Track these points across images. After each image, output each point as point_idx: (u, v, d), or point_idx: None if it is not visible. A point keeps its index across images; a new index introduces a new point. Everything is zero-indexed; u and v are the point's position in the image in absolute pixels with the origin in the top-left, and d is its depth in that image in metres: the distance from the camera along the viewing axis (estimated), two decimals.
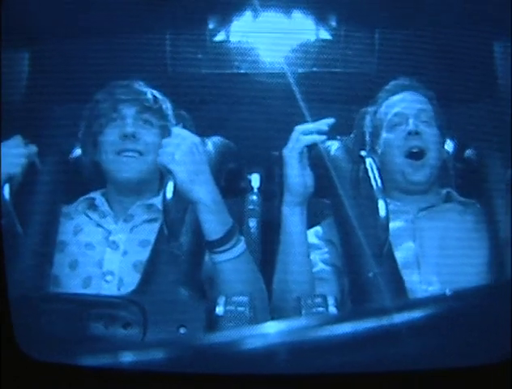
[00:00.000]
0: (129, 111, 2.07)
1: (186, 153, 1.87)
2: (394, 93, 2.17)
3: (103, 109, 2.08)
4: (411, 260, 1.99)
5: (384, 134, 2.13)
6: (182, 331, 1.75)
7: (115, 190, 2.11)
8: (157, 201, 2.03)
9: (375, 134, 2.15)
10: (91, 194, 2.14)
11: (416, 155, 2.07)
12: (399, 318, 1.42)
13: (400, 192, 2.12)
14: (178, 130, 1.95)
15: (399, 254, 1.97)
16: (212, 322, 1.76)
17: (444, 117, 2.15)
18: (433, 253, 2.00)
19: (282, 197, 2.01)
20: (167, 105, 2.14)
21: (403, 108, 2.13)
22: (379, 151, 2.11)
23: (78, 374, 1.44)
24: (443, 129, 2.13)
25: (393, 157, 2.10)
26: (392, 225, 1.98)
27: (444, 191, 2.16)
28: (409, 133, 2.08)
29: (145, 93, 2.11)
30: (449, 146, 2.18)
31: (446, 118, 2.15)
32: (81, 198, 2.14)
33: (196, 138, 1.92)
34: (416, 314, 1.45)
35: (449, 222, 2.07)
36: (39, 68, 2.21)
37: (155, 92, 2.12)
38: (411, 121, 2.09)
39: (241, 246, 1.90)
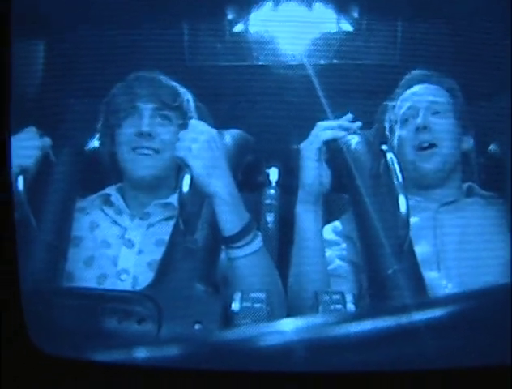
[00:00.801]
0: (147, 107, 2.07)
1: (204, 147, 1.87)
2: (409, 86, 2.17)
3: (122, 103, 2.09)
4: (431, 257, 1.98)
5: (398, 130, 2.14)
6: (197, 326, 1.74)
7: (131, 186, 2.12)
8: (174, 199, 2.02)
9: (392, 130, 2.16)
10: (107, 190, 2.14)
11: (425, 149, 2.09)
12: (418, 316, 1.41)
13: (419, 188, 2.12)
14: (196, 123, 1.94)
15: (419, 251, 1.95)
16: (228, 319, 1.76)
17: (465, 109, 2.15)
18: (453, 248, 1.99)
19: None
20: (188, 99, 2.14)
21: (414, 101, 2.14)
22: (395, 147, 2.12)
23: (90, 369, 1.45)
24: (463, 121, 2.14)
25: (405, 152, 2.11)
26: (412, 221, 1.97)
27: (466, 185, 2.15)
28: (417, 128, 2.09)
29: (166, 87, 2.11)
30: (469, 139, 2.17)
31: (468, 110, 2.15)
32: (96, 194, 2.14)
33: (213, 132, 1.92)
34: (435, 313, 1.44)
35: (470, 218, 2.07)
36: (54, 59, 2.21)
37: (177, 86, 2.13)
38: (421, 114, 2.10)
39: (258, 242, 1.90)
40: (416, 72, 2.18)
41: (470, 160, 2.17)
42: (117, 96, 2.10)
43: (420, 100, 2.13)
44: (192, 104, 2.14)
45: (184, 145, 1.87)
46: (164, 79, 2.12)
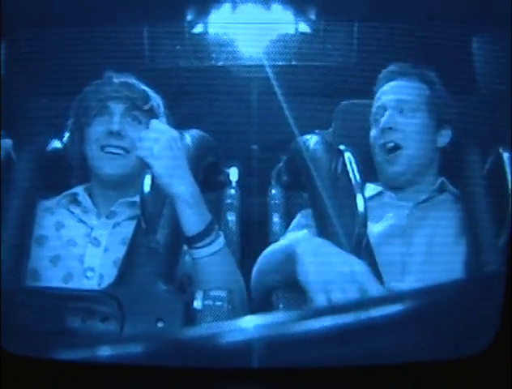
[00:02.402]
0: (117, 108, 2.09)
1: (165, 147, 1.88)
2: (384, 83, 2.19)
3: (93, 102, 2.10)
4: (396, 258, 2.01)
5: (371, 129, 2.18)
6: (160, 324, 1.76)
7: (99, 185, 2.13)
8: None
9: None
10: (74, 190, 2.15)
11: (391, 149, 2.11)
12: (376, 312, 1.44)
13: (391, 187, 2.16)
14: (156, 124, 1.96)
15: (385, 251, 1.98)
16: (190, 317, 1.78)
17: (445, 102, 2.16)
18: (421, 251, 2.03)
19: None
20: (159, 104, 2.16)
21: (383, 100, 2.16)
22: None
23: (55, 368, 1.46)
24: (441, 115, 2.15)
25: (374, 152, 2.15)
26: (383, 222, 2.04)
27: (439, 180, 2.17)
28: (382, 128, 2.12)
29: (137, 90, 2.12)
30: (447, 133, 2.17)
31: (447, 104, 2.17)
32: (63, 194, 2.14)
33: (174, 132, 1.93)
34: (391, 309, 1.47)
35: (440, 218, 2.10)
36: (13, 58, 2.20)
37: (148, 90, 2.14)
38: (387, 113, 2.12)
39: (220, 241, 1.91)
40: (391, 67, 2.20)
41: (447, 154, 2.18)
42: (89, 95, 2.12)
43: (389, 98, 2.15)
44: (162, 109, 2.16)
45: (145, 145, 1.88)
46: (135, 81, 2.14)
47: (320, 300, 1.70)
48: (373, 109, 2.19)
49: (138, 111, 2.10)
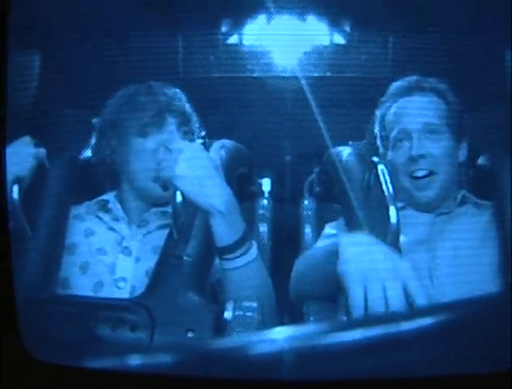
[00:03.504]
0: (172, 121, 2.10)
1: (187, 166, 1.87)
2: (399, 96, 2.17)
3: (145, 111, 2.09)
4: (423, 272, 1.98)
5: (389, 151, 2.15)
6: (190, 334, 1.76)
7: (132, 193, 2.13)
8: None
9: (384, 144, 2.17)
10: (105, 196, 2.16)
11: (423, 176, 2.10)
12: (406, 325, 1.45)
13: (415, 208, 2.15)
14: (175, 143, 1.97)
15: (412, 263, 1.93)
16: (220, 327, 1.78)
17: (460, 115, 2.15)
18: (446, 263, 2.01)
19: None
20: (195, 119, 2.17)
21: (405, 123, 2.12)
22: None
23: (84, 376, 1.47)
24: (458, 129, 2.13)
25: (398, 178, 2.11)
26: (406, 233, 2.00)
27: (460, 194, 2.16)
28: (412, 157, 2.09)
29: (183, 106, 2.14)
30: (464, 147, 2.16)
31: (463, 117, 2.15)
32: (93, 200, 2.16)
33: (196, 146, 1.94)
34: (422, 322, 1.47)
35: (463, 230, 2.08)
36: (50, 69, 2.22)
37: (188, 106, 2.16)
38: (415, 140, 2.09)
39: (253, 252, 1.90)
40: (406, 79, 2.18)
41: (462, 169, 2.18)
42: (140, 101, 2.12)
43: (412, 121, 2.12)
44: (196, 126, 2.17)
45: (167, 165, 1.89)
46: (182, 96, 2.15)
47: (356, 292, 1.64)
48: (392, 134, 2.15)
49: (187, 126, 2.12)
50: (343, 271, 1.69)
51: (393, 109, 2.17)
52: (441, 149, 2.10)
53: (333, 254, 1.76)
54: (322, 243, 2.12)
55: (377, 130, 2.20)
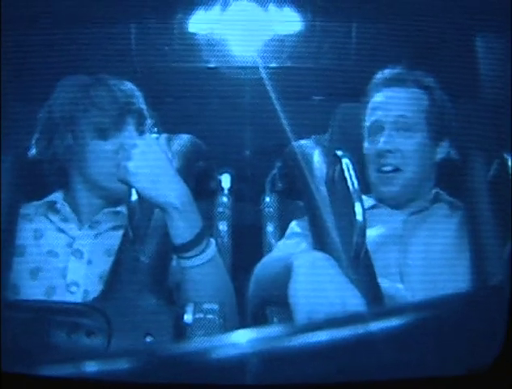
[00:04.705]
0: (131, 122, 2.10)
1: (140, 161, 1.88)
2: (379, 90, 2.19)
3: (104, 112, 2.08)
4: (393, 270, 2.02)
5: (365, 141, 2.18)
6: (149, 339, 1.77)
7: (86, 189, 2.11)
8: (124, 208, 2.01)
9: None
10: (52, 197, 2.14)
11: (388, 171, 2.13)
12: (375, 325, 1.46)
13: (385, 203, 2.18)
14: (128, 139, 1.99)
15: (381, 262, 1.97)
16: (180, 331, 1.79)
17: (444, 111, 2.16)
18: (417, 263, 2.04)
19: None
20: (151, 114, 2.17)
21: (379, 115, 2.15)
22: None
23: (40, 385, 1.47)
24: (436, 130, 2.15)
25: (368, 171, 2.15)
26: (377, 231, 2.05)
27: (433, 192, 2.18)
28: (379, 151, 2.13)
29: (140, 104, 2.13)
30: (445, 145, 2.18)
31: (447, 112, 2.17)
32: (42, 201, 2.14)
33: (149, 141, 1.95)
34: (391, 322, 1.50)
35: (434, 229, 2.11)
36: None
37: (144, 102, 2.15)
38: (385, 133, 2.12)
39: (211, 250, 1.91)
40: (387, 73, 2.19)
41: (446, 165, 2.20)
42: (97, 98, 2.09)
43: (386, 114, 2.15)
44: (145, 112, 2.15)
45: (121, 164, 1.88)
46: (118, 83, 2.12)
47: (301, 320, 1.73)
48: (367, 121, 2.18)
49: (144, 124, 2.12)
50: (292, 295, 1.78)
51: (372, 102, 2.19)
52: (412, 146, 2.12)
53: (287, 269, 1.83)
54: (284, 245, 2.15)
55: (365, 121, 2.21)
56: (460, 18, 2.05)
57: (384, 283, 1.92)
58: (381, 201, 2.16)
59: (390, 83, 2.18)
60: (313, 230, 2.10)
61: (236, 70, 2.35)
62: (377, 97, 2.18)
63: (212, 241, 1.94)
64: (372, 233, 2.05)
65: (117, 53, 2.26)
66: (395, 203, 2.16)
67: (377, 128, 2.15)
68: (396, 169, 2.12)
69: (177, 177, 1.91)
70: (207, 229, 1.95)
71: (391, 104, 2.16)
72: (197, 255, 1.89)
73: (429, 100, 2.16)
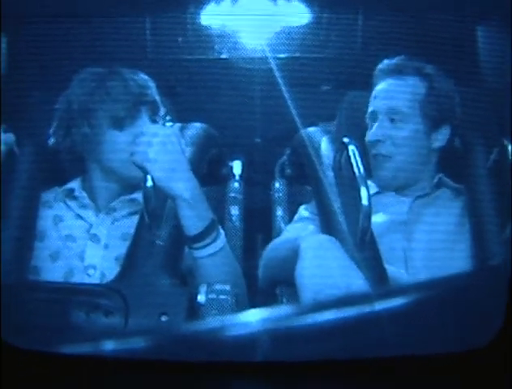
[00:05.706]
0: (145, 112, 2.13)
1: (160, 150, 1.91)
2: (381, 79, 2.20)
3: (118, 103, 2.11)
4: (397, 254, 2.04)
5: (367, 132, 2.20)
6: (164, 318, 1.80)
7: (102, 182, 2.15)
8: (139, 195, 2.04)
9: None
10: (70, 185, 2.17)
11: (379, 158, 2.16)
12: (379, 305, 1.50)
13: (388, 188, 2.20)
14: (149, 128, 2.02)
15: (386, 246, 2.00)
16: (194, 310, 1.82)
17: (439, 101, 2.17)
18: (421, 246, 2.06)
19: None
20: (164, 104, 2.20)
21: (376, 105, 2.18)
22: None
23: (59, 362, 1.51)
24: (433, 117, 2.15)
25: (367, 157, 2.16)
26: (383, 216, 2.07)
27: (437, 177, 2.20)
28: (370, 140, 2.16)
29: (154, 94, 2.16)
30: (445, 130, 2.18)
31: (449, 100, 2.18)
32: (60, 189, 2.17)
33: (169, 131, 1.98)
34: (397, 301, 1.53)
35: (438, 214, 2.13)
36: (15, 52, 2.20)
37: (157, 92, 2.17)
38: (375, 125, 2.15)
39: (221, 241, 1.96)
40: (386, 62, 2.21)
41: (447, 150, 2.21)
42: (113, 89, 2.12)
43: (381, 104, 2.18)
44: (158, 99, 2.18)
45: (139, 150, 1.93)
46: (133, 74, 2.15)
47: (306, 301, 1.77)
48: (369, 109, 2.21)
49: (158, 116, 2.14)
50: (298, 276, 1.82)
51: (374, 90, 2.21)
52: (402, 136, 2.15)
53: (295, 252, 1.86)
54: (292, 228, 2.19)
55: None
56: (462, 6, 2.06)
57: (389, 267, 1.95)
58: (381, 186, 2.18)
59: (392, 72, 2.19)
60: (320, 214, 2.13)
61: (247, 61, 2.35)
62: (379, 86, 2.20)
63: (222, 232, 1.98)
64: (377, 218, 2.07)
65: (132, 45, 2.28)
66: (393, 189, 2.18)
67: (374, 116, 2.18)
68: (386, 156, 2.15)
69: (190, 171, 1.95)
70: (217, 221, 1.99)
71: (388, 93, 2.18)
72: (206, 246, 1.94)
73: (427, 87, 2.17)
